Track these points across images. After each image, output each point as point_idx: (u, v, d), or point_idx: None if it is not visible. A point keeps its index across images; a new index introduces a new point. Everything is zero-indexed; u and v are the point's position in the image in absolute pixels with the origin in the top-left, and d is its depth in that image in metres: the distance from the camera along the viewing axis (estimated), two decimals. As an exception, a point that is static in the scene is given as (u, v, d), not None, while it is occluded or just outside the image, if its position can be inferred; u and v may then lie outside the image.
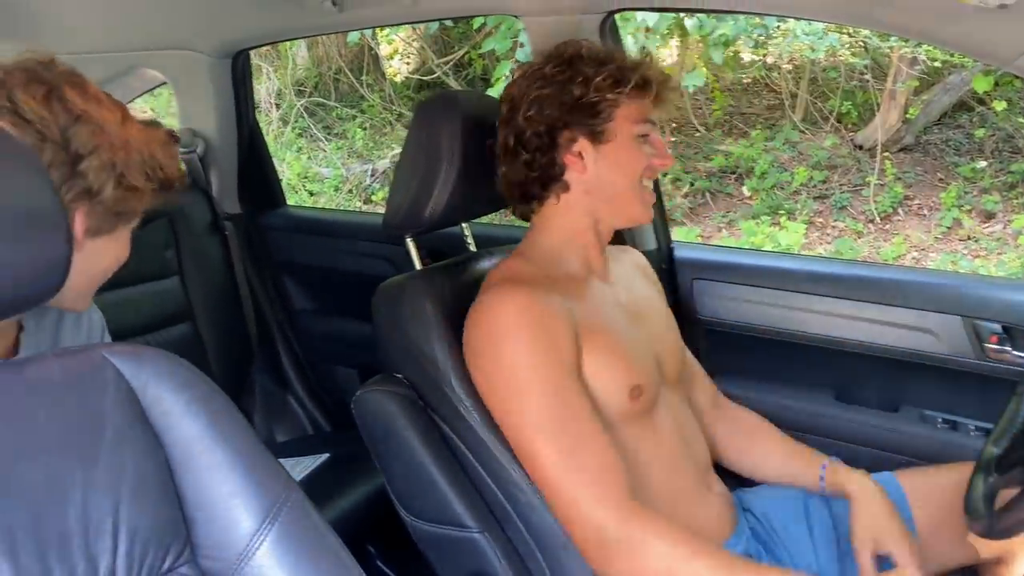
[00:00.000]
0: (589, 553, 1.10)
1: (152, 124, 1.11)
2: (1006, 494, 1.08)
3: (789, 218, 4.75)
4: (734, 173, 5.27)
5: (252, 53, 2.10)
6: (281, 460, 1.82)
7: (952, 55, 4.73)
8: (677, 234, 4.80)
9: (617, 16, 1.61)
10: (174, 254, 1.91)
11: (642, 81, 1.23)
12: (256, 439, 0.91)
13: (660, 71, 1.27)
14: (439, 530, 1.23)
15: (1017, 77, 4.60)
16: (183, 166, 1.16)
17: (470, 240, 1.56)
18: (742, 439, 1.45)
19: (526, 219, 1.34)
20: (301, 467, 1.82)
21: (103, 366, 0.82)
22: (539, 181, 1.27)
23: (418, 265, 1.41)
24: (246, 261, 2.13)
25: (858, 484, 1.30)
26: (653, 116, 1.27)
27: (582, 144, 1.24)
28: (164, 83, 2.12)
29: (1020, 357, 1.43)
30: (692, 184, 5.18)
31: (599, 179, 1.25)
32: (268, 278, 2.20)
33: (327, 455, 1.86)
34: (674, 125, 5.63)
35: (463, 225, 1.55)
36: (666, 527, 1.09)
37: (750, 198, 5.07)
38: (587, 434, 1.11)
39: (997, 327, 1.45)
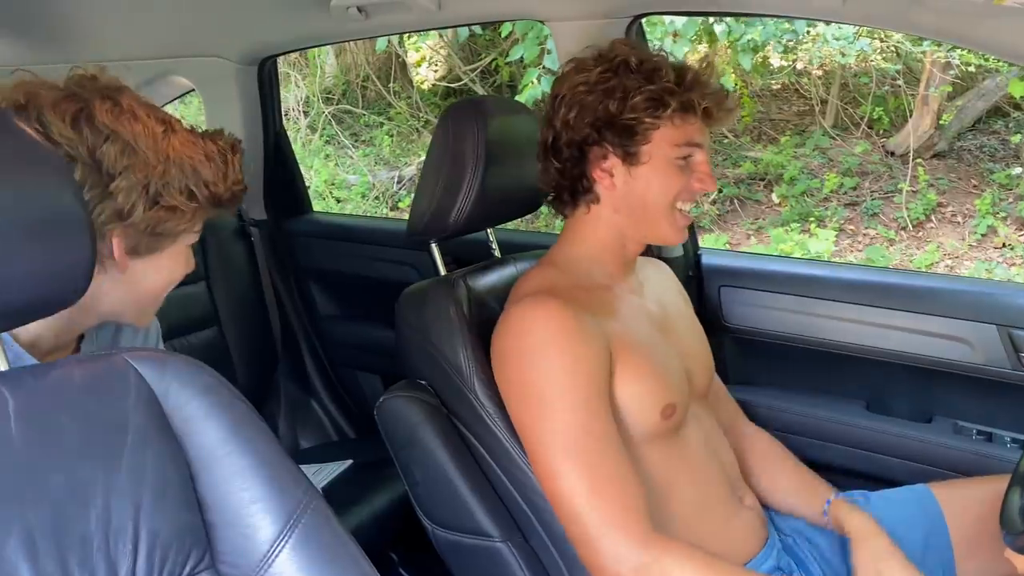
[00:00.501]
0: None
1: (211, 135, 1.04)
2: (1045, 509, 1.04)
3: (819, 225, 4.70)
4: (763, 180, 5.22)
5: (280, 60, 2.11)
6: (304, 466, 1.84)
7: (987, 59, 4.65)
8: (705, 241, 4.76)
9: (644, 20, 1.60)
10: (200, 259, 1.91)
11: (688, 103, 1.15)
12: (278, 446, 0.90)
13: (714, 89, 1.18)
14: (461, 538, 1.21)
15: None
16: (243, 178, 1.09)
17: (495, 246, 1.55)
18: (753, 462, 1.40)
19: (565, 215, 1.30)
20: (324, 473, 1.82)
21: (126, 371, 0.83)
22: (568, 190, 1.24)
23: (442, 271, 1.41)
24: (272, 267, 2.13)
25: (859, 523, 1.25)
26: (699, 139, 1.19)
27: (613, 162, 1.19)
28: (192, 90, 2.15)
29: (1059, 367, 1.39)
30: (720, 191, 5.13)
31: (628, 198, 1.20)
32: (293, 284, 2.21)
33: (350, 462, 1.86)
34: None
35: (488, 231, 1.54)
36: (686, 552, 1.05)
37: (779, 205, 5.02)
38: (610, 458, 1.07)
39: (1035, 336, 1.41)
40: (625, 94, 1.14)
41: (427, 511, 1.26)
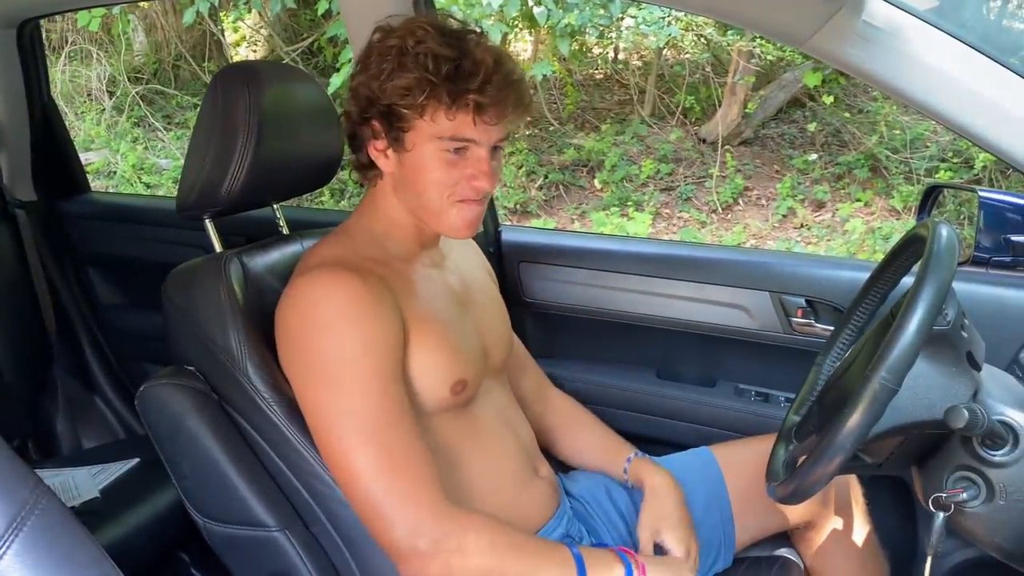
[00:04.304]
0: (402, 560, 1.03)
1: None
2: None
3: (637, 209, 4.87)
4: (586, 166, 5.36)
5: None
6: (85, 468, 1.69)
7: (783, 50, 4.99)
8: (533, 225, 4.83)
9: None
10: (-46, 245, 1.72)
11: (452, 96, 1.06)
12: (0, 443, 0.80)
13: (492, 89, 1.07)
14: (235, 531, 1.14)
15: (841, 73, 4.90)
16: None
17: (283, 223, 1.47)
18: (563, 428, 1.44)
19: (361, 184, 1.24)
20: (106, 474, 1.68)
21: None
22: (355, 164, 1.20)
23: (218, 248, 1.31)
24: (43, 252, 1.94)
25: (656, 480, 1.31)
26: (471, 134, 1.09)
27: (383, 144, 1.14)
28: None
29: (823, 329, 1.49)
30: (546, 177, 5.22)
31: (404, 183, 1.15)
32: (70, 270, 2.02)
33: (136, 460, 1.72)
34: (529, 119, 5.67)
35: (275, 207, 1.46)
36: (481, 522, 1.05)
37: (601, 190, 5.17)
38: (404, 434, 1.05)
39: (802, 301, 1.50)
40: (389, 77, 1.08)
41: (197, 505, 1.18)
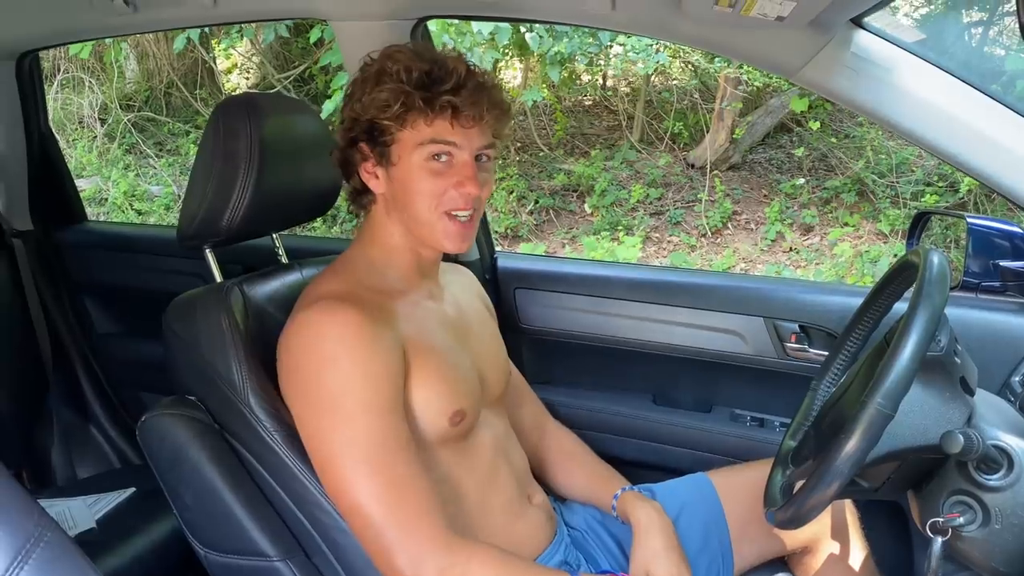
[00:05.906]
0: None
1: None
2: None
3: (627, 233, 4.91)
4: (576, 191, 5.41)
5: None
6: (80, 498, 1.68)
7: (770, 77, 5.05)
8: (523, 250, 4.85)
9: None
10: (-50, 275, 1.72)
11: (426, 102, 1.11)
12: (4, 473, 0.80)
13: (466, 92, 1.12)
14: (237, 561, 1.14)
15: (827, 100, 4.98)
16: None
17: (281, 252, 1.48)
18: (558, 462, 1.44)
19: (357, 216, 1.27)
20: (102, 504, 1.67)
21: None
22: (349, 192, 1.22)
23: (218, 278, 1.32)
24: (39, 281, 1.94)
25: (643, 516, 1.28)
26: (449, 136, 1.13)
27: (373, 163, 1.17)
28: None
29: (816, 354, 1.50)
30: (537, 202, 5.26)
31: (395, 201, 1.18)
32: (66, 299, 2.02)
33: (132, 490, 1.72)
34: (519, 144, 5.72)
35: (274, 236, 1.47)
36: (485, 552, 1.06)
37: (591, 215, 5.21)
38: (406, 465, 1.05)
39: (795, 326, 1.52)
40: (368, 95, 1.13)
41: (199, 535, 1.17)
